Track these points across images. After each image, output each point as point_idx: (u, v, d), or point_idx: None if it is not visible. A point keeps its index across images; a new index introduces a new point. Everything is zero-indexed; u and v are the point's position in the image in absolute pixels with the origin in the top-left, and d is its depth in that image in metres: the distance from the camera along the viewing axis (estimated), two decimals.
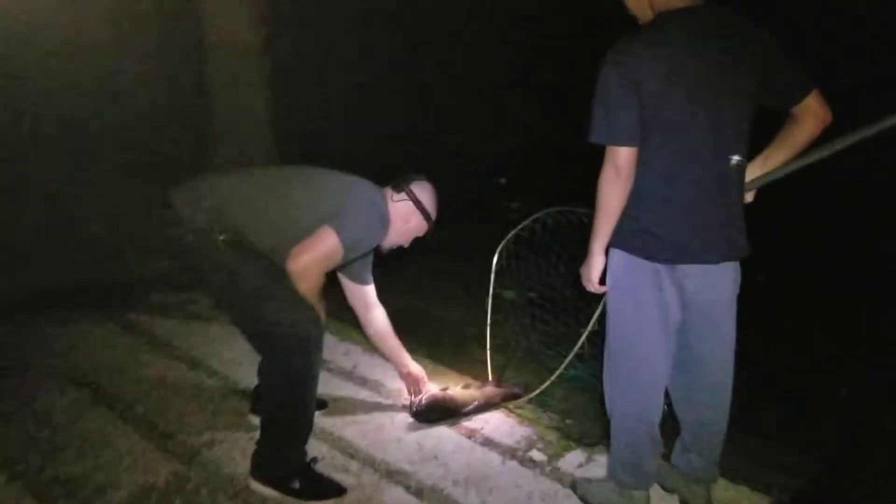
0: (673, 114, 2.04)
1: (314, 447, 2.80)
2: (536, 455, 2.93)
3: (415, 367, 3.20)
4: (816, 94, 2.13)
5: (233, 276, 2.39)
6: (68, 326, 3.99)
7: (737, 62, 2.07)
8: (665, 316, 2.24)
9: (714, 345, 2.34)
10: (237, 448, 2.81)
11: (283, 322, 2.38)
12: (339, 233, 2.42)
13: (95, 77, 5.01)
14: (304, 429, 2.56)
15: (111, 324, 4.07)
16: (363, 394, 3.36)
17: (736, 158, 2.13)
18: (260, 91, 5.68)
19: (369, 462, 2.79)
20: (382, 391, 3.39)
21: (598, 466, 2.83)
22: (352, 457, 2.82)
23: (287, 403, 2.48)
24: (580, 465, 2.86)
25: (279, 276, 2.41)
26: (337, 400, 3.26)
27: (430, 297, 4.95)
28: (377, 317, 3.10)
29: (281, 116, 5.84)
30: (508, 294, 4.79)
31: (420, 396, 3.09)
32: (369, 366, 3.65)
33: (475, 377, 3.52)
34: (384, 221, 2.62)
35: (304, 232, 2.44)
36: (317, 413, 3.04)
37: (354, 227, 2.48)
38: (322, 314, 2.59)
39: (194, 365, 3.55)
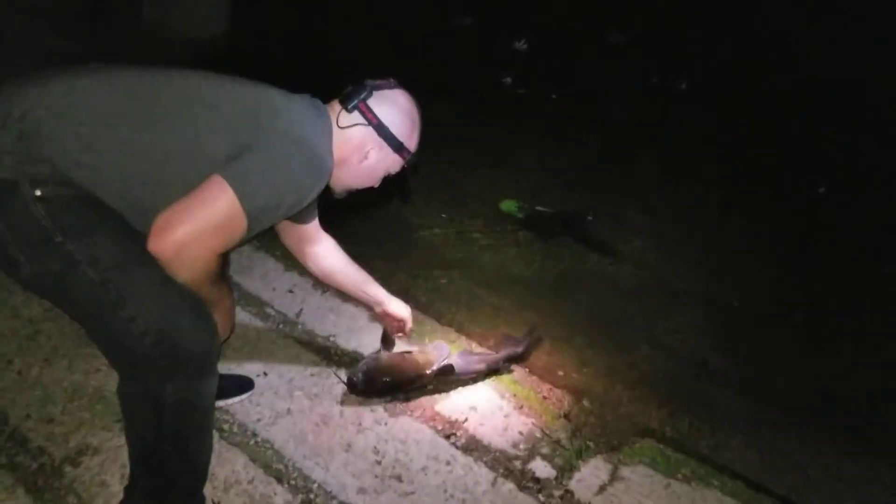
0: None
1: (225, 461, 1.98)
2: (541, 469, 2.13)
3: (392, 303, 2.37)
4: None
5: (63, 262, 1.42)
6: None
7: None
8: None
9: None
10: (116, 463, 1.94)
11: (149, 331, 1.44)
12: (236, 189, 1.45)
13: None
14: (191, 482, 1.69)
15: None
16: (306, 358, 2.47)
17: None
18: None
19: (302, 488, 1.96)
20: (334, 354, 2.51)
21: (628, 489, 2.04)
22: (279, 479, 1.97)
23: (160, 452, 1.59)
24: (602, 488, 2.05)
25: (144, 253, 1.45)
26: (268, 371, 2.37)
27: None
28: (325, 250, 2.20)
29: None
30: (507, 206, 3.89)
31: (361, 363, 2.27)
32: (320, 311, 2.73)
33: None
34: (321, 163, 1.64)
35: (184, 183, 1.47)
36: (236, 399, 2.20)
37: (265, 178, 1.50)
38: (223, 313, 1.69)
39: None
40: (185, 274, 1.47)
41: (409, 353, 2.38)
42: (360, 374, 2.22)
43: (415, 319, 2.75)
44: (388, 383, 2.25)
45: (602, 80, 6.48)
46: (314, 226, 2.12)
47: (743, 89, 6.59)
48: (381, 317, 2.42)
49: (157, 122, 1.50)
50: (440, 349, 2.41)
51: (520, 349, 2.56)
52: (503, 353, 2.52)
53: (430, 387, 2.35)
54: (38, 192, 1.39)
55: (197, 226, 1.43)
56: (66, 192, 1.42)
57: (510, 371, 2.52)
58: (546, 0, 7.58)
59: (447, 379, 2.36)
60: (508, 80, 6.20)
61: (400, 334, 2.44)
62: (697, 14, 7.43)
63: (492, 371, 2.47)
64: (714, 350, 2.98)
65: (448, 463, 2.10)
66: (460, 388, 2.40)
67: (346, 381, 2.25)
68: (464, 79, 5.93)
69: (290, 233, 2.13)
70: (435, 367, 2.32)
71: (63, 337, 2.33)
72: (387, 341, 2.40)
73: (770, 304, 3.44)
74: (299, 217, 1.98)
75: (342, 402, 2.27)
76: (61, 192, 1.41)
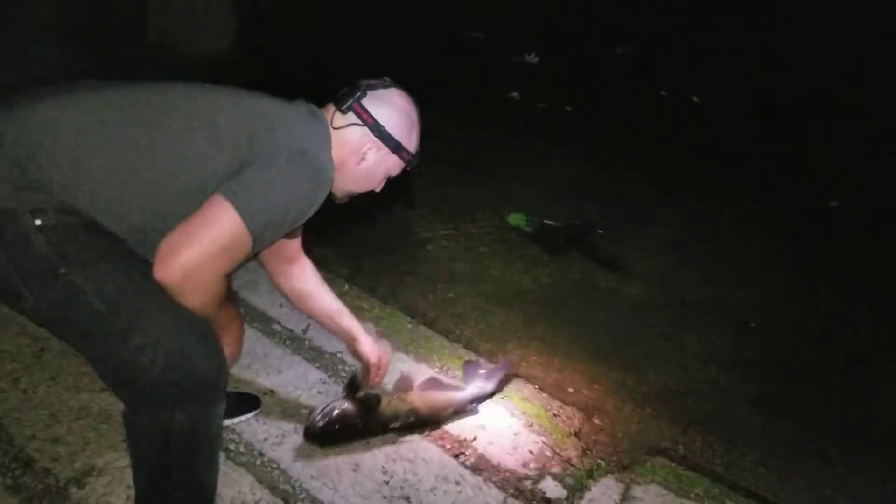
0: None
1: (231, 481, 1.96)
2: (551, 489, 2.10)
3: (365, 342, 2.21)
4: None
5: (67, 293, 1.40)
6: None
7: None
8: None
9: None
10: (122, 484, 1.92)
11: (157, 359, 1.41)
12: (238, 207, 1.42)
13: None
14: None
15: None
16: (313, 377, 2.45)
17: None
18: None
19: None
20: (342, 371, 2.48)
21: None
22: (286, 500, 1.95)
23: (167, 477, 1.56)
24: None
25: (149, 279, 1.42)
26: (275, 390, 2.35)
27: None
28: (302, 271, 2.11)
29: None
30: (515, 219, 3.86)
31: (321, 409, 2.08)
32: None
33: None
34: (323, 173, 1.60)
35: (185, 203, 1.44)
36: (243, 418, 2.18)
37: (267, 194, 1.47)
38: (232, 336, 1.68)
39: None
40: (193, 299, 1.44)
41: (375, 397, 2.15)
42: (317, 425, 2.06)
43: (420, 334, 2.74)
44: (347, 435, 2.11)
45: (612, 93, 6.46)
46: (296, 244, 2.04)
47: (756, 99, 6.54)
48: (354, 355, 2.28)
49: (154, 140, 1.47)
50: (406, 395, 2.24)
51: (489, 388, 2.40)
52: (470, 391, 2.35)
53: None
54: (38, 222, 1.36)
55: (202, 249, 1.40)
56: (67, 220, 1.39)
57: (476, 412, 2.35)
58: (556, 13, 7.57)
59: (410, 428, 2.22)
60: (516, 94, 6.18)
61: (372, 380, 2.26)
62: (704, 23, 7.42)
63: (458, 413, 2.30)
64: (726, 366, 2.93)
65: (457, 483, 2.07)
66: None
67: (304, 429, 2.09)
68: (472, 91, 5.92)
69: (272, 248, 2.00)
70: (400, 422, 2.17)
71: (69, 356, 2.30)
72: (353, 386, 2.18)
73: (784, 319, 3.39)
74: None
75: None
76: (62, 219, 1.39)
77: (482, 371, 2.44)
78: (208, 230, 1.40)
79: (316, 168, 1.57)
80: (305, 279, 2.12)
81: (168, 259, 1.38)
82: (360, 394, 2.15)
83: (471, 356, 2.65)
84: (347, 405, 2.09)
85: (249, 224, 1.43)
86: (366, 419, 2.11)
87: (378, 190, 1.85)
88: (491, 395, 2.40)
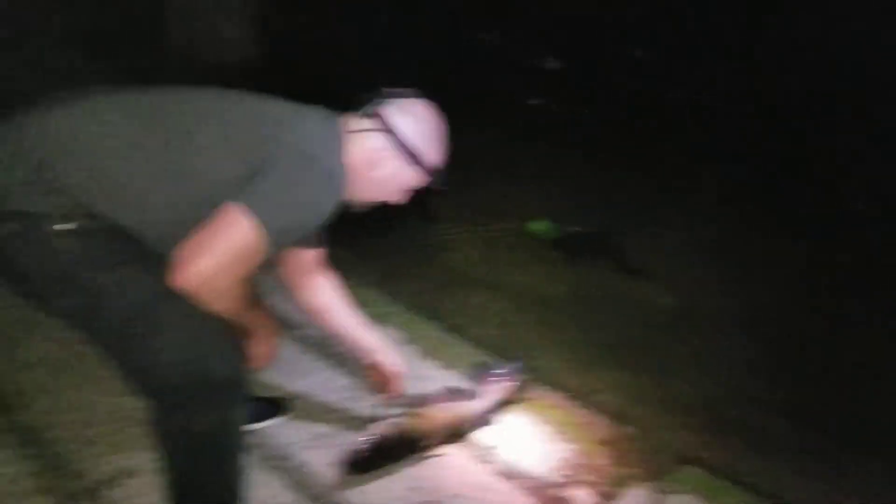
0: None
1: (260, 484, 1.95)
2: (581, 497, 2.09)
3: (385, 359, 2.17)
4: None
5: (90, 296, 1.41)
6: None
7: None
8: None
9: None
10: (153, 486, 1.91)
11: (177, 361, 1.43)
12: (251, 215, 1.40)
13: None
14: None
15: None
16: (339, 382, 2.45)
17: None
18: None
19: None
20: (367, 379, 2.47)
21: None
22: (315, 503, 1.94)
23: (194, 480, 1.57)
24: None
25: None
26: (302, 395, 2.36)
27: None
28: (324, 284, 2.06)
29: None
30: (536, 226, 3.85)
31: (359, 442, 2.06)
32: None
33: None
34: (335, 179, 1.57)
35: (200, 208, 1.44)
36: (273, 422, 2.19)
37: (280, 200, 1.46)
38: (264, 339, 1.70)
39: None
40: (213, 305, 1.44)
41: (407, 415, 2.17)
42: (359, 459, 2.03)
43: (444, 341, 2.74)
44: (388, 462, 2.08)
45: (631, 97, 6.45)
46: (317, 254, 2.00)
47: (775, 102, 6.50)
48: (369, 368, 2.21)
49: (168, 146, 1.47)
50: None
51: (505, 392, 2.37)
52: (485, 401, 2.31)
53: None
54: (60, 227, 1.37)
55: (216, 256, 1.39)
56: (89, 224, 1.40)
57: (495, 422, 2.32)
58: (572, 18, 7.55)
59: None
60: (535, 100, 6.19)
61: (386, 394, 2.22)
62: (719, 27, 7.37)
63: (475, 425, 2.27)
64: (756, 374, 2.90)
65: (486, 490, 2.06)
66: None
67: (344, 464, 2.04)
68: (492, 97, 5.93)
69: (286, 258, 2.00)
70: (431, 440, 2.15)
71: (101, 360, 2.32)
72: (376, 417, 2.19)
73: (812, 326, 3.35)
74: (303, 240, 1.86)
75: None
76: (84, 223, 1.40)
77: (493, 375, 2.40)
78: (222, 238, 1.40)
79: (325, 172, 1.54)
80: (329, 294, 2.08)
81: (184, 267, 1.38)
82: (385, 422, 2.14)
83: (488, 360, 2.63)
84: (382, 433, 2.08)
85: (262, 230, 1.41)
86: (400, 443, 2.10)
87: (397, 201, 1.80)
88: (504, 401, 2.37)
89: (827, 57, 6.55)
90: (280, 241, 1.50)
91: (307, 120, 1.61)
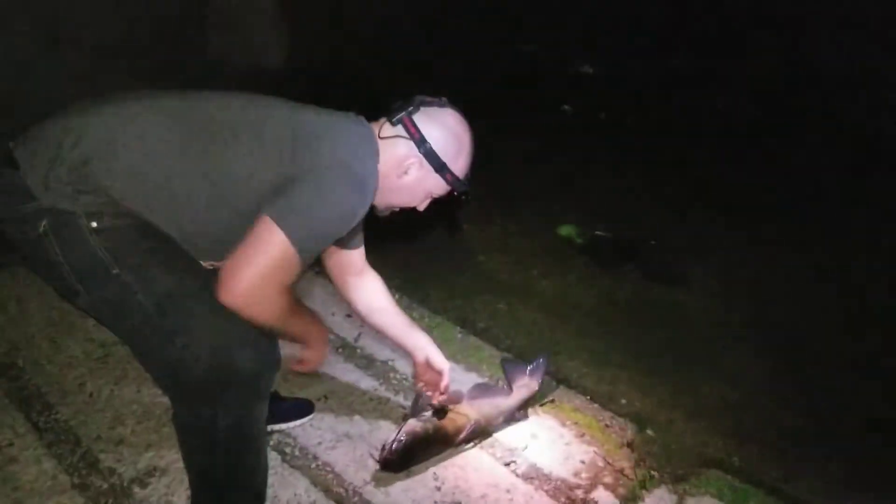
0: None
1: (287, 483, 2.00)
2: (603, 498, 2.09)
3: (434, 356, 2.19)
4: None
5: (119, 292, 1.46)
6: None
7: None
8: None
9: None
10: (182, 484, 1.97)
11: (202, 357, 1.47)
12: (283, 227, 1.45)
13: None
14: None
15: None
16: (365, 384, 2.49)
17: None
18: None
19: None
20: (392, 381, 2.52)
21: None
22: (339, 502, 1.98)
23: (217, 475, 1.61)
24: None
25: (197, 280, 1.49)
26: (328, 396, 2.40)
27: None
28: (370, 284, 2.13)
29: None
30: (566, 231, 3.86)
31: (394, 437, 2.08)
32: (379, 336, 2.67)
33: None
34: (365, 186, 1.61)
35: (231, 212, 1.51)
36: (298, 423, 2.22)
37: (310, 211, 1.50)
38: (316, 341, 1.75)
39: None
40: (261, 315, 1.49)
41: (439, 413, 2.18)
42: (396, 454, 2.05)
43: (471, 345, 2.76)
44: (423, 457, 2.12)
45: (664, 104, 6.41)
46: (359, 255, 2.06)
47: (811, 112, 6.40)
48: (419, 367, 2.23)
49: (204, 150, 1.51)
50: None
51: (534, 386, 2.41)
52: (518, 395, 2.36)
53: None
54: (94, 224, 1.43)
55: (258, 269, 1.43)
56: (121, 223, 1.45)
57: (525, 417, 2.37)
58: (605, 26, 7.53)
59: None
60: (567, 107, 6.17)
61: (432, 392, 2.23)
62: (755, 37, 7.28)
63: (508, 421, 2.32)
64: (782, 379, 2.87)
65: (508, 491, 2.08)
66: None
67: (380, 460, 2.08)
68: (524, 103, 5.94)
69: (334, 260, 2.07)
70: (464, 434, 2.18)
71: (132, 360, 2.38)
72: (416, 407, 2.21)
73: (843, 333, 3.29)
74: (344, 241, 1.93)
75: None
76: (116, 222, 1.45)
77: (523, 369, 2.45)
78: (260, 252, 1.44)
79: (358, 180, 1.58)
80: (376, 294, 2.14)
81: (228, 283, 1.43)
82: (426, 413, 2.17)
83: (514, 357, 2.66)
84: (417, 428, 2.11)
85: (295, 242, 1.45)
86: (435, 438, 2.13)
87: (421, 209, 1.83)
88: (537, 393, 2.41)
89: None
90: (314, 249, 1.55)
91: (340, 126, 1.65)
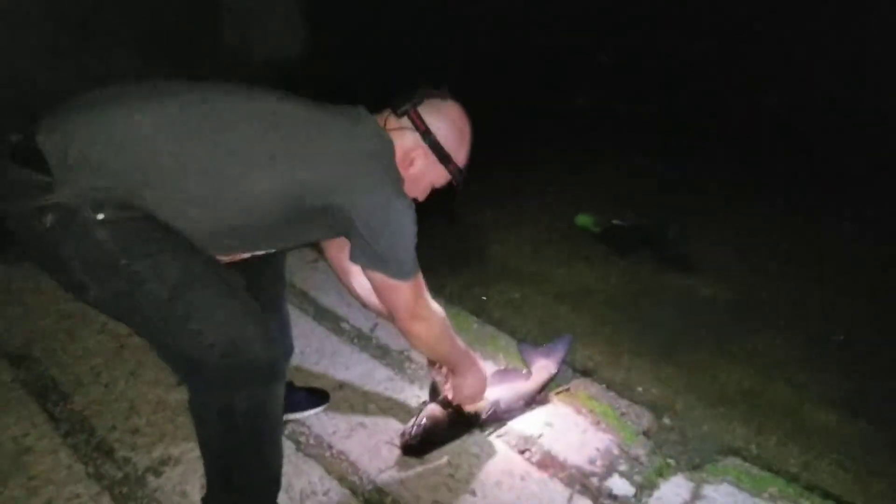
0: None
1: (301, 472, 2.00)
2: (619, 486, 2.06)
3: None
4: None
5: (129, 283, 1.46)
6: None
7: None
8: None
9: None
10: (196, 474, 1.98)
11: (216, 342, 1.46)
12: (394, 276, 1.69)
13: None
14: (265, 490, 1.71)
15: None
16: (380, 374, 2.48)
17: None
18: None
19: (377, 501, 1.95)
20: (407, 370, 2.51)
21: None
22: (354, 491, 1.98)
23: (232, 462, 1.61)
24: None
25: (206, 267, 1.49)
26: (343, 386, 2.39)
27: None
28: None
29: None
30: (582, 220, 3.83)
31: (414, 421, 2.11)
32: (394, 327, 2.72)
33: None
34: (401, 186, 1.70)
35: (238, 208, 1.53)
36: (312, 412, 2.22)
37: (395, 247, 1.66)
38: (474, 377, 2.08)
39: None
40: (437, 344, 1.92)
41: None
42: (417, 438, 2.08)
43: (488, 334, 2.76)
44: (443, 441, 2.14)
45: (681, 94, 6.35)
46: None
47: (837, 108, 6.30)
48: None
49: (214, 145, 1.50)
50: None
51: (553, 368, 2.42)
52: (538, 377, 2.37)
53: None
54: (100, 216, 1.41)
55: (407, 304, 1.76)
56: (127, 214, 1.44)
57: (547, 401, 2.38)
58: (624, 17, 7.45)
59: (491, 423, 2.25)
60: (581, 99, 6.12)
61: (447, 378, 2.20)
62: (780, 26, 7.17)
63: (529, 404, 2.33)
64: (801, 366, 2.82)
65: (523, 478, 2.06)
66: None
67: (401, 445, 2.11)
68: (540, 94, 5.90)
69: (334, 250, 2.09)
70: (484, 417, 2.20)
71: (147, 352, 2.40)
72: (434, 391, 2.25)
73: (860, 319, 3.24)
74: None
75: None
76: (122, 214, 1.44)
77: (541, 351, 2.48)
78: (398, 298, 1.74)
79: (398, 190, 1.66)
80: None
81: (408, 333, 1.84)
82: (436, 404, 2.17)
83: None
84: (437, 412, 2.13)
85: (407, 275, 1.70)
86: (455, 422, 2.14)
87: (421, 199, 1.84)
88: (557, 372, 2.44)
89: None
90: (415, 261, 1.72)
91: (359, 136, 1.65)
